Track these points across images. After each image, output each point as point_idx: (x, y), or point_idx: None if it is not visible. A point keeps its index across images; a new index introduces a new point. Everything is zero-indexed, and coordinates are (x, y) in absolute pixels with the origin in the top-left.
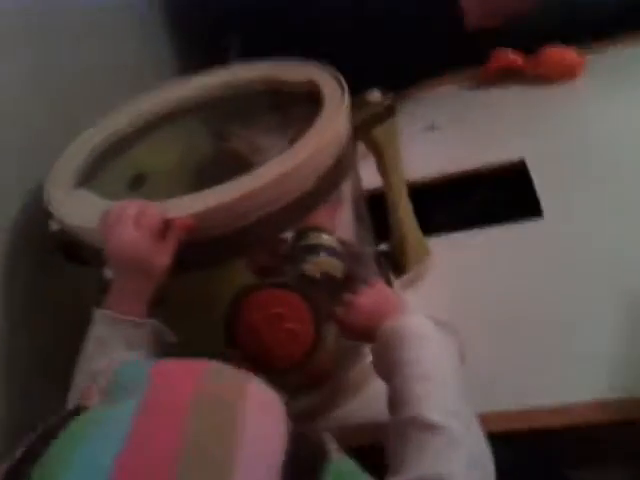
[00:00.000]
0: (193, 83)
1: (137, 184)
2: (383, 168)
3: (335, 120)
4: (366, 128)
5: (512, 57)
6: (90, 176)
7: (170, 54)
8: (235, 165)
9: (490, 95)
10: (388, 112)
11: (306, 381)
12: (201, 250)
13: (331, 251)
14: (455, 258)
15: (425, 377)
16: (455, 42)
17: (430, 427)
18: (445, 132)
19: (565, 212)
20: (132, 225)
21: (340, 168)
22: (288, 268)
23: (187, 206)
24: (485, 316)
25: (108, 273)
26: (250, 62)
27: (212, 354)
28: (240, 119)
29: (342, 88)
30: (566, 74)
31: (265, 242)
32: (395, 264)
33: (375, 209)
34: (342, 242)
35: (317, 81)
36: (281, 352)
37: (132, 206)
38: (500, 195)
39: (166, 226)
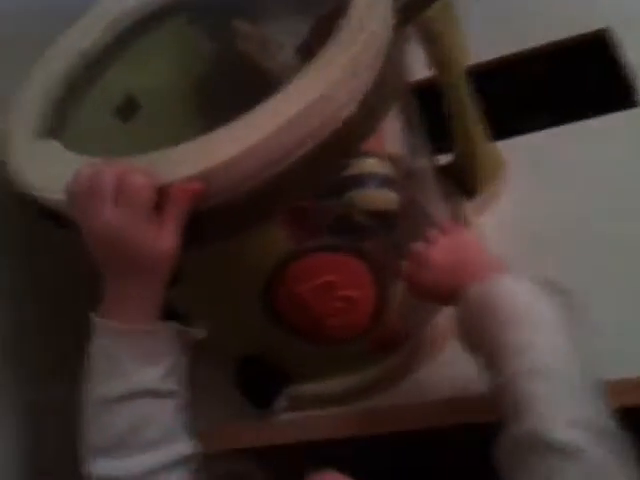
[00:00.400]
0: None
1: (128, 112)
2: (441, 62)
3: (374, 10)
4: (414, 11)
5: None
6: (59, 116)
7: None
8: (247, 76)
9: None
10: None
11: (373, 349)
12: (220, 216)
13: (381, 180)
14: (535, 168)
15: (544, 373)
16: None
17: (559, 450)
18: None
19: None
20: (112, 201)
21: (388, 76)
22: (331, 220)
23: (195, 159)
24: (591, 246)
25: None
26: None
27: (252, 340)
28: (244, 10)
29: None
30: None
31: (307, 192)
32: (463, 183)
33: (426, 107)
34: (395, 161)
35: None
36: (338, 323)
37: (109, 171)
38: (577, 78)
39: (161, 195)
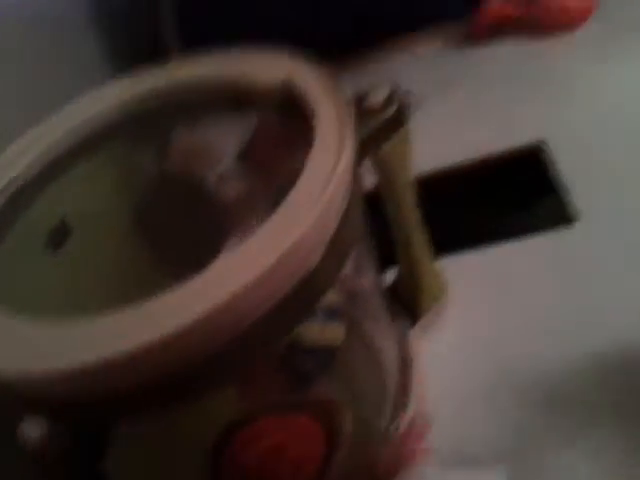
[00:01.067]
0: (115, 92)
1: (58, 239)
2: (391, 190)
3: (338, 159)
4: (370, 146)
5: (504, 7)
6: None
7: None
8: (186, 197)
9: (484, 55)
10: (398, 118)
11: None
12: (161, 387)
13: (330, 311)
14: (475, 286)
15: None
16: None
17: None
18: (428, 108)
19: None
20: None
21: (350, 222)
22: (277, 362)
23: (128, 335)
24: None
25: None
26: (198, 54)
27: None
28: (189, 132)
29: (341, 99)
30: (571, 20)
31: (268, 349)
32: (406, 306)
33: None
34: (340, 282)
35: (298, 84)
36: None
37: None
38: (514, 193)
39: None
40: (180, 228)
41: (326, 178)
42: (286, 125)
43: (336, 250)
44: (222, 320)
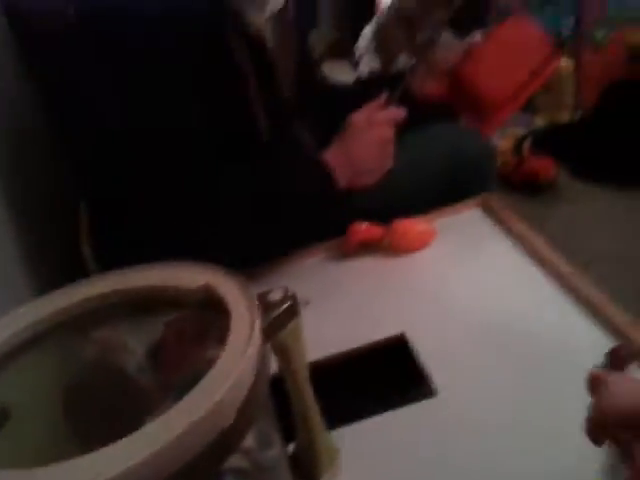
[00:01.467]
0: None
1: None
2: (289, 371)
3: (249, 342)
4: (271, 333)
5: (368, 229)
6: None
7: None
8: (111, 388)
9: (355, 266)
10: (292, 311)
11: None
12: None
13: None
14: (358, 450)
15: None
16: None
17: None
18: (319, 310)
19: (454, 383)
20: None
21: (257, 393)
22: None
23: None
24: None
25: None
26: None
27: None
28: (118, 332)
29: (249, 297)
30: (419, 244)
31: None
32: (305, 473)
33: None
34: (245, 453)
35: (216, 287)
36: None
37: None
38: (387, 373)
39: None
40: (103, 411)
41: (239, 358)
42: (206, 320)
43: (245, 417)
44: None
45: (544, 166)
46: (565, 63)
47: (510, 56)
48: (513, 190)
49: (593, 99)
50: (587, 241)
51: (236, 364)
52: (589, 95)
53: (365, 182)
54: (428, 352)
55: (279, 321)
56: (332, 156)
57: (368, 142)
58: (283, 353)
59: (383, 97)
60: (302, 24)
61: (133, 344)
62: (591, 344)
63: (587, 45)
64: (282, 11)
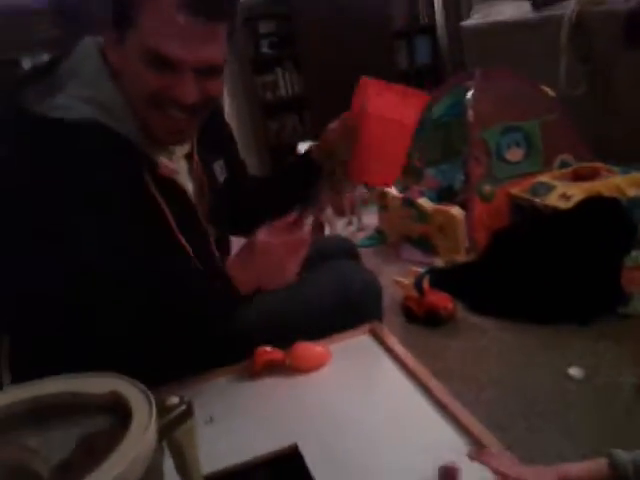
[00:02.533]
0: None
1: None
2: (183, 467)
3: (144, 434)
4: (167, 431)
5: (271, 352)
6: None
7: None
8: None
9: (259, 387)
10: (186, 414)
11: None
12: None
13: None
14: None
15: None
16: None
17: None
18: (221, 425)
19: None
20: None
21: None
22: None
23: None
24: None
25: None
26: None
27: None
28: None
29: (148, 399)
30: (316, 364)
31: None
32: None
33: None
34: None
35: (121, 393)
36: None
37: None
38: None
39: None
40: None
41: (135, 446)
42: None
43: None
44: None
45: (443, 301)
46: (458, 213)
47: (386, 147)
48: (417, 321)
49: (484, 243)
50: (481, 368)
51: (130, 452)
52: (480, 239)
53: (270, 288)
54: (317, 460)
55: (174, 422)
56: (235, 270)
57: (271, 263)
58: (177, 450)
59: (292, 216)
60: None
61: (46, 451)
62: (449, 444)
63: (476, 197)
64: (190, 154)
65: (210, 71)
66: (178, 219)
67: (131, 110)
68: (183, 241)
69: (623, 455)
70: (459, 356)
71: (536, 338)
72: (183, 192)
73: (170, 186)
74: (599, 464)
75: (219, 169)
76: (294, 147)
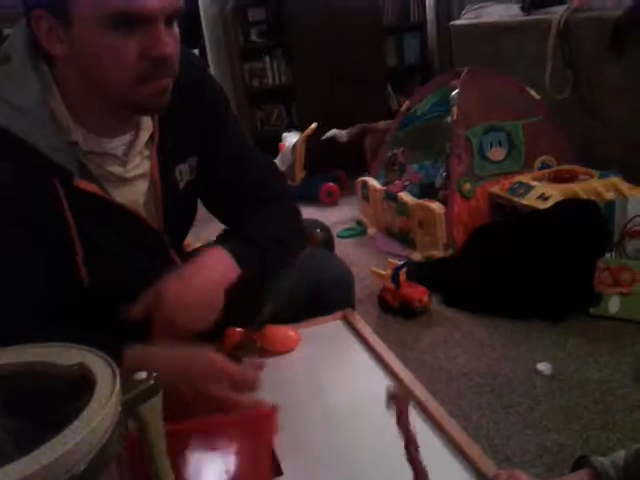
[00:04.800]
0: None
1: None
2: (147, 442)
3: (104, 408)
4: (132, 406)
5: (241, 333)
6: None
7: None
8: None
9: None
10: (152, 390)
11: None
12: None
13: None
14: None
15: None
16: None
17: None
18: None
19: (303, 468)
20: None
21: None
22: None
23: None
24: None
25: None
26: None
27: None
28: None
29: (114, 373)
30: (286, 347)
31: None
32: None
33: None
34: None
35: (88, 365)
36: None
37: None
38: None
39: None
40: None
41: (93, 419)
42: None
43: (94, 469)
44: None
45: (419, 293)
46: (438, 208)
47: None
48: (392, 312)
49: (462, 239)
50: (452, 360)
51: (87, 425)
52: (459, 236)
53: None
54: (281, 442)
55: (139, 397)
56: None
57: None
58: (142, 427)
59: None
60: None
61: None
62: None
63: (456, 194)
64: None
65: (175, 17)
66: (104, 234)
67: (64, 109)
68: (80, 263)
69: (602, 460)
70: (431, 347)
71: (508, 333)
72: (117, 205)
73: (94, 200)
74: (580, 475)
75: (186, 170)
76: (279, 136)
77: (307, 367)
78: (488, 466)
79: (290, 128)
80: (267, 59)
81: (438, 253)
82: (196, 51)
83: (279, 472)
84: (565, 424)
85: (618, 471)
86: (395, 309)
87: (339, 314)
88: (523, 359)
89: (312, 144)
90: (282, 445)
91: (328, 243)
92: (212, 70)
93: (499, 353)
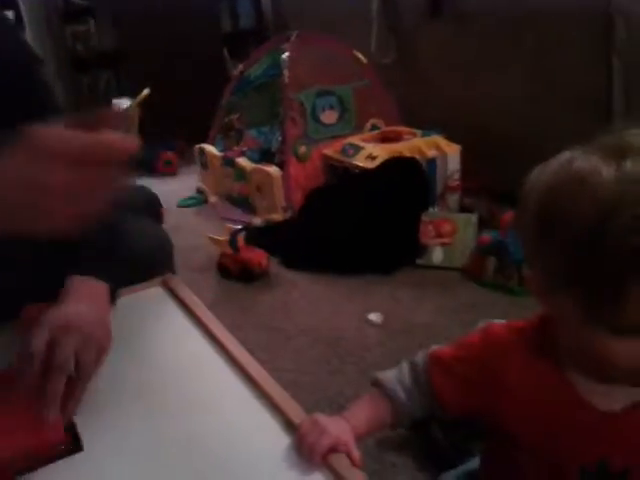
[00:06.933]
0: None
1: None
2: None
3: None
4: None
5: (43, 308)
6: None
7: None
8: None
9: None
10: None
11: None
12: None
13: None
14: None
15: None
16: None
17: None
18: None
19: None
20: None
21: None
22: None
23: None
24: None
25: None
26: None
27: None
28: None
29: None
30: None
31: None
32: None
33: None
34: None
35: None
36: None
37: None
38: None
39: None
40: None
41: None
42: None
43: None
44: None
45: (257, 257)
46: (275, 172)
47: None
48: (231, 277)
49: (300, 202)
50: (290, 319)
51: None
52: (296, 199)
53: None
54: (86, 415)
55: None
56: None
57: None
58: None
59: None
60: None
61: None
62: (231, 393)
63: (292, 157)
64: None
65: None
66: None
67: None
68: None
69: (387, 374)
70: (269, 309)
71: (343, 289)
72: None
73: None
74: (373, 396)
75: None
76: (109, 103)
77: (120, 336)
78: (296, 414)
79: (121, 95)
80: (92, 22)
81: (277, 216)
82: (10, 13)
83: (79, 448)
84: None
85: (405, 385)
86: (235, 275)
87: (158, 280)
88: (357, 311)
89: (148, 112)
90: (85, 420)
91: (154, 203)
92: (29, 33)
93: (333, 308)
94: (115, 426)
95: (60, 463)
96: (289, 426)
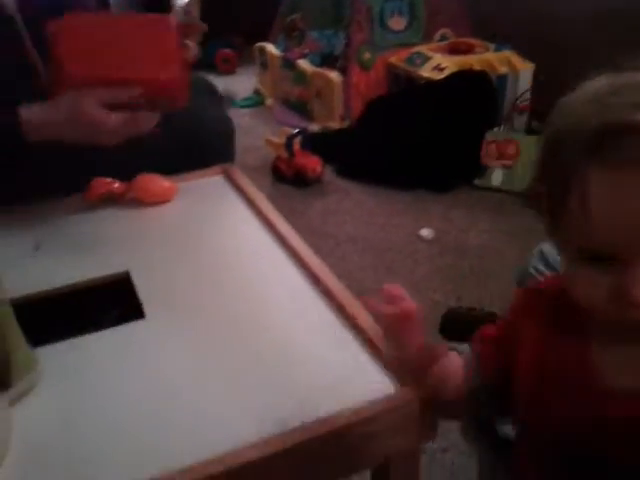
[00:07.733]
0: None
1: None
2: None
3: None
4: None
5: (110, 184)
6: None
7: None
8: None
9: (93, 218)
10: None
11: None
12: None
13: None
14: (70, 364)
15: None
16: None
17: None
18: (50, 252)
19: (166, 312)
20: None
21: None
22: None
23: None
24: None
25: None
26: None
27: None
28: None
29: None
30: (159, 198)
31: None
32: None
33: None
34: None
35: None
36: None
37: None
38: (108, 304)
39: None
40: None
41: None
42: None
43: None
44: None
45: (312, 163)
46: (336, 78)
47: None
48: (285, 181)
49: (359, 111)
50: (339, 227)
51: None
52: (356, 107)
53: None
54: (149, 290)
55: None
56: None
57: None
58: None
59: None
60: None
61: None
62: (291, 285)
63: (355, 64)
64: None
65: None
66: None
67: None
68: None
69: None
70: (320, 215)
71: (395, 202)
72: None
73: None
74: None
75: None
76: None
77: (181, 221)
78: (352, 305)
79: None
80: None
81: (335, 124)
82: None
83: (141, 315)
84: (443, 284)
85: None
86: (288, 179)
87: (219, 168)
88: (408, 226)
89: (207, 6)
90: (149, 292)
91: (212, 89)
92: None
93: (385, 220)
94: (175, 301)
95: (121, 329)
96: (340, 309)
